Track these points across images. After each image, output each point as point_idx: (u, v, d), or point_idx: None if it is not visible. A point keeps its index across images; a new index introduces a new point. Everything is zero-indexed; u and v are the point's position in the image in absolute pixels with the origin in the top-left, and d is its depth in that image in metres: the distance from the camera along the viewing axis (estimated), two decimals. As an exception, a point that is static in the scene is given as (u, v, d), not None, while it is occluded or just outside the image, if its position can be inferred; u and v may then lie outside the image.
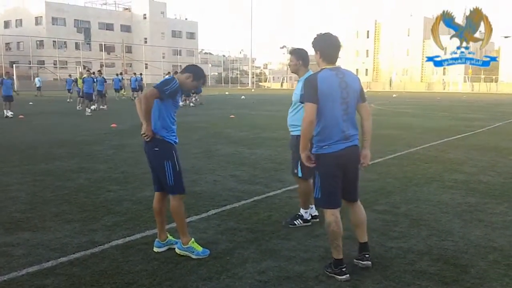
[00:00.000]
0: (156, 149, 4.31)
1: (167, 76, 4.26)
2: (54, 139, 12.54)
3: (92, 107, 22.82)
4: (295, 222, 5.27)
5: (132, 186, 7.14)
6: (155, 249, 4.48)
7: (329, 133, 3.76)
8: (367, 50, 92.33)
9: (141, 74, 37.12)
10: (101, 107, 24.56)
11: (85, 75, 23.20)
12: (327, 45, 3.85)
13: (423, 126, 16.63)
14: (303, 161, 3.90)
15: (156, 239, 4.55)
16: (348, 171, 3.90)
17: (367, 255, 4.10)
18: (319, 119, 3.75)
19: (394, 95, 47.33)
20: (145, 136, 4.23)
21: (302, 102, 3.83)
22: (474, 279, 3.86)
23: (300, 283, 3.79)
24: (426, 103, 33.38)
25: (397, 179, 7.68)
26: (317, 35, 3.92)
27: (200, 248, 4.33)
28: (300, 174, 5.09)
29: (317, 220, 5.33)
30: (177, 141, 4.39)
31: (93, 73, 25.68)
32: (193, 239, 4.40)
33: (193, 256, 4.26)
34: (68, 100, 31.52)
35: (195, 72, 4.36)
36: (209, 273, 3.98)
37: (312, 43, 3.91)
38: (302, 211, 5.33)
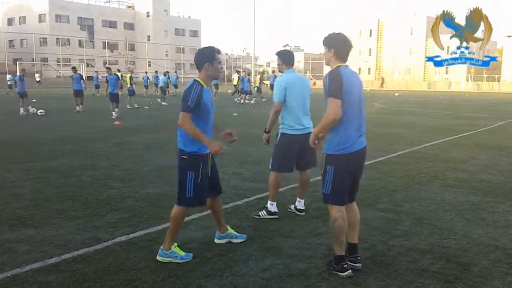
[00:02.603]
0: (183, 156, 4.21)
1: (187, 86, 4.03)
2: (57, 136, 12.56)
3: (130, 105, 22.60)
4: (259, 213, 5.48)
5: (135, 183, 7.16)
6: (216, 240, 4.65)
7: (349, 134, 3.77)
8: (370, 49, 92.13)
9: (175, 72, 37.38)
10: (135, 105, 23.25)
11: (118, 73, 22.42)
12: (342, 43, 3.87)
13: (425, 124, 16.62)
14: (310, 142, 3.92)
15: (217, 231, 4.68)
16: (357, 171, 3.96)
17: (358, 257, 4.07)
18: (344, 120, 3.71)
19: (396, 94, 47.23)
20: (217, 153, 4.05)
21: (328, 97, 3.67)
22: (476, 278, 3.87)
23: (303, 281, 3.80)
24: (429, 102, 33.31)
25: (399, 178, 7.68)
26: (330, 33, 3.94)
27: (182, 253, 4.20)
28: (269, 167, 5.52)
29: (303, 214, 5.59)
30: (207, 151, 4.17)
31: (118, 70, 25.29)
32: (175, 244, 4.26)
33: (177, 261, 4.12)
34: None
35: (202, 56, 4.13)
36: (212, 270, 3.99)
37: (325, 40, 3.90)
38: (268, 203, 5.50)
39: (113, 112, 18.35)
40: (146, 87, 38.62)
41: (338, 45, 3.85)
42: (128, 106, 22.66)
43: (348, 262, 3.98)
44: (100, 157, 9.39)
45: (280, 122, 5.44)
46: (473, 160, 9.35)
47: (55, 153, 9.85)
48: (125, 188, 6.85)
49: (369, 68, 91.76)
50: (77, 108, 20.66)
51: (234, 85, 34.00)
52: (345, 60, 3.86)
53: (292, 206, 5.72)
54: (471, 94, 51.56)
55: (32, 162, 8.79)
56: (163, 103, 26.96)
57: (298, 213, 5.62)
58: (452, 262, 4.19)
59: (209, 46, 4.23)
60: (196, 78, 4.13)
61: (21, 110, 19.18)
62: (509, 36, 72.98)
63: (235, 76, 36.96)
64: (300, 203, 5.66)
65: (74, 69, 22.10)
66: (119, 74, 22.29)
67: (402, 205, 6.02)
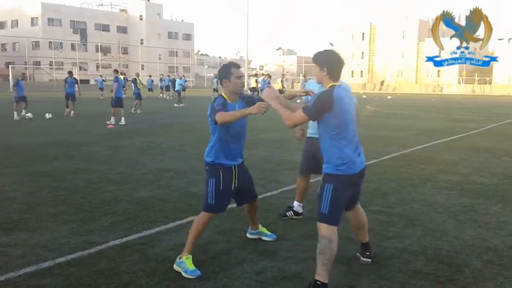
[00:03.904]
0: (206, 167, 4.26)
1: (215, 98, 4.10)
2: (51, 140, 12.53)
3: (138, 110, 22.12)
4: (287, 213, 5.62)
5: (129, 186, 7.16)
6: (248, 235, 4.92)
7: (347, 153, 3.63)
8: (362, 52, 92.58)
9: (183, 76, 38.21)
10: (138, 111, 22.24)
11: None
12: (335, 61, 3.71)
13: (418, 127, 16.71)
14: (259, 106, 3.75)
15: (249, 227, 4.94)
16: (356, 188, 3.92)
17: (368, 253, 4.23)
18: (340, 139, 3.61)
19: (389, 97, 47.42)
20: (261, 112, 3.80)
21: (305, 109, 3.58)
22: (468, 279, 3.91)
23: (297, 283, 3.82)
24: (421, 105, 33.49)
25: (392, 180, 7.73)
26: (321, 51, 3.79)
27: (192, 267, 4.00)
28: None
29: (300, 217, 5.63)
30: (230, 163, 4.24)
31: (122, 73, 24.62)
32: (189, 255, 4.10)
33: (184, 275, 3.95)
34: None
35: (220, 74, 4.23)
36: (207, 273, 4.01)
37: (317, 58, 3.74)
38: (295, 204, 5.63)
39: (112, 118, 17.07)
40: (151, 90, 39.92)
41: (331, 64, 3.68)
42: (132, 111, 21.80)
43: (358, 254, 4.30)
44: (94, 161, 9.37)
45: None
46: (465, 163, 9.42)
47: (48, 156, 9.82)
48: (119, 191, 6.85)
49: (362, 71, 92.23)
50: (67, 110, 20.49)
51: (253, 88, 34.47)
52: (339, 78, 3.70)
53: (289, 213, 5.65)
54: (463, 97, 51.89)
55: (25, 166, 8.77)
56: (181, 105, 28.02)
57: (296, 217, 5.62)
58: (444, 264, 4.23)
59: (226, 63, 4.31)
60: (221, 93, 4.25)
61: (15, 114, 19.07)
62: (500, 39, 73.45)
63: (252, 80, 38.27)
64: (300, 207, 5.66)
65: (70, 73, 22.12)
66: (122, 76, 21.67)
67: (394, 207, 6.06)
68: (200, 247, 4.60)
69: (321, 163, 3.79)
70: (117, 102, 17.39)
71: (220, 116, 3.93)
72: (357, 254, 4.35)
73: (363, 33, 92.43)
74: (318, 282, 3.51)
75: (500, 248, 4.62)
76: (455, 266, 4.16)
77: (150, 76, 46.18)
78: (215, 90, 38.97)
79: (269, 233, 4.95)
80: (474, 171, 8.57)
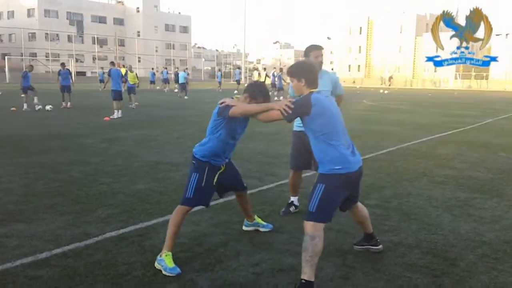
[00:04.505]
0: (193, 162, 4.25)
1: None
2: (46, 131, 12.50)
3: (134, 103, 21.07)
4: (290, 209, 5.60)
5: (126, 179, 7.16)
6: (244, 228, 4.96)
7: (341, 153, 3.61)
8: (360, 47, 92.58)
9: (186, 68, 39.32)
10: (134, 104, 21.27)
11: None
12: (311, 71, 3.81)
13: (414, 122, 16.74)
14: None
15: (245, 219, 4.97)
16: (354, 188, 3.88)
17: (377, 240, 4.33)
18: (331, 140, 3.61)
19: (385, 91, 47.45)
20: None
21: (288, 120, 3.68)
22: (463, 272, 3.94)
23: (293, 275, 3.83)
24: (418, 100, 33.53)
25: (388, 174, 7.75)
26: (294, 65, 3.94)
27: (171, 264, 3.89)
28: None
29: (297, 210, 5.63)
30: (219, 163, 4.25)
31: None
32: (168, 253, 3.99)
33: (164, 272, 3.86)
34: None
35: (250, 91, 4.19)
36: (203, 265, 4.02)
37: (293, 72, 3.85)
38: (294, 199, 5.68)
39: (115, 111, 16.82)
40: (153, 82, 40.62)
41: (307, 74, 3.77)
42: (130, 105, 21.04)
43: (370, 247, 4.32)
44: (90, 153, 9.36)
45: None
46: (461, 157, 9.46)
47: (44, 148, 9.80)
48: (115, 183, 6.85)
49: (359, 66, 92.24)
50: (63, 104, 20.41)
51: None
52: (317, 86, 3.79)
53: (291, 209, 5.62)
54: (460, 92, 51.97)
55: (20, 157, 8.75)
56: (185, 97, 28.73)
57: (293, 211, 5.60)
58: (439, 257, 4.25)
59: (257, 87, 4.26)
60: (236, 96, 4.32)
61: (25, 105, 19.25)
62: (497, 35, 73.52)
63: (254, 74, 42.32)
64: (297, 201, 5.67)
65: (62, 64, 21.61)
66: (123, 69, 21.01)
67: (390, 201, 6.09)
68: (196, 239, 4.62)
69: (310, 158, 3.81)
70: (114, 95, 17.18)
71: (238, 107, 3.91)
72: (356, 246, 4.37)
73: (360, 28, 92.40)
74: (302, 281, 3.46)
75: (495, 242, 4.65)
76: (450, 260, 4.19)
77: (152, 68, 47.13)
78: (238, 82, 43.10)
79: (265, 223, 4.98)
80: (470, 166, 8.60)
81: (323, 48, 5.48)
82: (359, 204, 4.18)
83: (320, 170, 3.71)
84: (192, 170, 4.21)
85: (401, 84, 73.17)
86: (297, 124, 5.44)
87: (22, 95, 19.64)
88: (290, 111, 3.62)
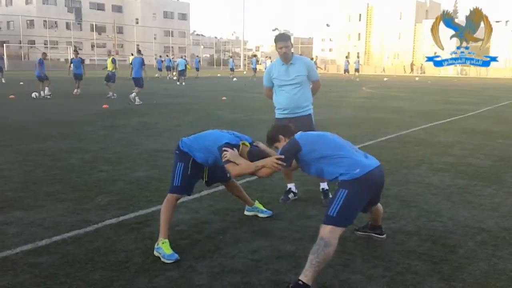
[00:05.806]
0: (176, 152, 4.31)
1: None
2: (45, 119, 12.48)
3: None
4: (288, 196, 5.59)
5: (125, 166, 7.16)
6: (245, 212, 5.02)
7: (354, 157, 3.58)
8: (359, 34, 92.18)
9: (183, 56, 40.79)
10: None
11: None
12: (284, 128, 4.18)
13: (414, 109, 16.71)
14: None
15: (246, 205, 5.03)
16: (378, 189, 3.81)
17: (382, 229, 4.39)
18: (338, 154, 3.60)
19: (385, 79, 47.35)
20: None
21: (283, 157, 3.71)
22: (462, 259, 3.95)
23: (292, 262, 3.85)
24: (417, 87, 33.46)
25: (387, 162, 7.74)
26: (269, 130, 4.24)
27: (169, 251, 3.89)
28: None
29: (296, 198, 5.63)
30: (205, 164, 4.29)
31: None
32: (164, 240, 3.99)
33: (163, 260, 3.86)
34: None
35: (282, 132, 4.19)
36: (203, 252, 4.03)
37: (271, 140, 4.18)
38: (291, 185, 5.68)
39: (136, 98, 17.21)
40: (160, 69, 41.57)
41: (282, 132, 4.13)
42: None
43: (374, 235, 4.36)
44: (89, 140, 9.35)
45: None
46: (460, 145, 9.46)
47: (43, 136, 9.79)
48: (115, 171, 6.85)
49: (358, 53, 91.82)
50: (75, 91, 20.98)
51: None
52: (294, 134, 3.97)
53: (290, 196, 5.62)
54: (459, 80, 51.86)
55: (20, 145, 8.74)
56: (183, 83, 29.56)
57: (292, 198, 5.60)
58: (439, 244, 4.26)
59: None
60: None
61: (42, 93, 19.55)
62: (497, 22, 73.21)
63: (253, 60, 45.71)
64: (294, 187, 5.69)
65: (76, 53, 21.92)
66: (142, 56, 20.68)
67: (389, 189, 6.08)
68: (195, 226, 4.63)
69: None
70: (135, 82, 17.84)
71: (232, 169, 3.90)
72: (358, 232, 4.45)
73: (360, 14, 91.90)
74: (300, 282, 3.21)
75: (494, 229, 4.66)
76: (449, 247, 4.20)
77: (160, 56, 47.92)
78: (232, 69, 45.03)
79: (265, 209, 5.00)
80: (469, 153, 8.60)
81: (289, 39, 5.39)
82: (378, 205, 4.15)
83: (340, 178, 3.57)
84: (177, 160, 4.26)
85: (400, 72, 72.95)
86: (278, 112, 5.57)
87: (42, 82, 19.81)
88: (284, 161, 3.70)
